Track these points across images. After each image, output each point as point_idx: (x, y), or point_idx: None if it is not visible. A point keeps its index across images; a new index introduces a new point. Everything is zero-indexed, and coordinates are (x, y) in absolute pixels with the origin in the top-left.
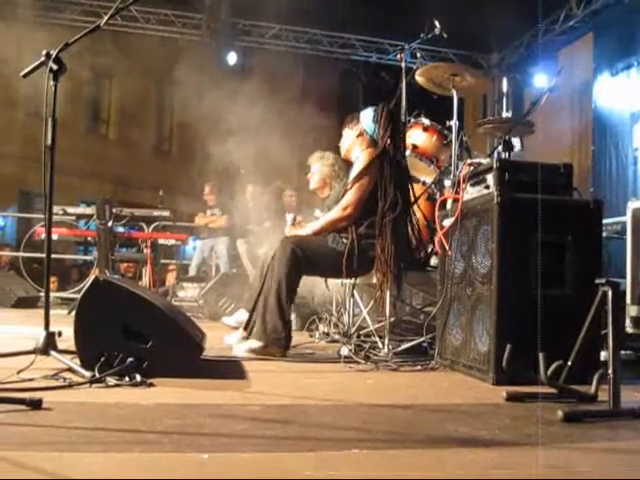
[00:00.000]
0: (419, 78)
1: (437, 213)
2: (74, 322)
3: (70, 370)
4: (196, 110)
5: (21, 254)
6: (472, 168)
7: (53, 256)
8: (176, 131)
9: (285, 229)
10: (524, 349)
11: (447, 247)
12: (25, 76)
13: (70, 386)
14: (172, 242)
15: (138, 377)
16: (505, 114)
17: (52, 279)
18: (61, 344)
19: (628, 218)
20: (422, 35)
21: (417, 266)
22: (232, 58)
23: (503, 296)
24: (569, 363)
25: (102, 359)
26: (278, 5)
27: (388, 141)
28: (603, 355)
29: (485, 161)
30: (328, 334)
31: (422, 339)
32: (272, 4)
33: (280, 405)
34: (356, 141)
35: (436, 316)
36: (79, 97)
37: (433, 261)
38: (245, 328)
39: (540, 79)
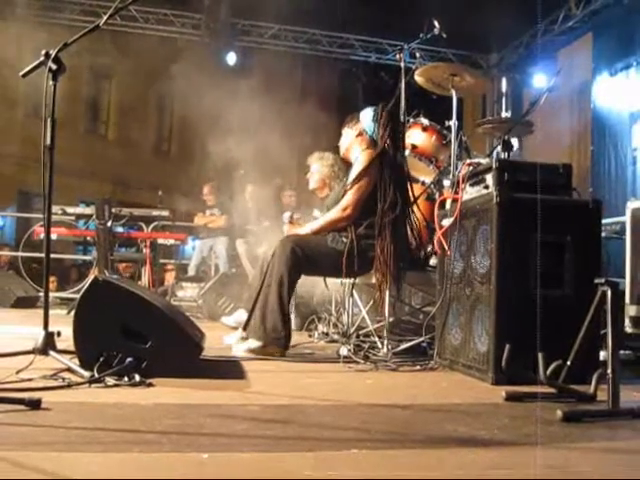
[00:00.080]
0: (418, 78)
1: (436, 213)
2: (73, 322)
3: (69, 370)
4: (195, 110)
5: (20, 254)
6: (471, 168)
7: (52, 256)
8: (175, 131)
9: (283, 228)
10: (523, 349)
11: (446, 247)
12: (24, 76)
13: (69, 386)
14: (171, 242)
15: (137, 377)
16: (504, 114)
17: (51, 279)
18: (60, 344)
19: (627, 218)
20: (421, 35)
21: (416, 266)
22: (231, 58)
23: (502, 296)
24: (568, 363)
25: (101, 359)
26: (277, 5)
27: (388, 141)
28: (602, 355)
29: (484, 161)
30: (327, 334)
31: (421, 339)
32: (271, 4)
33: (279, 405)
34: (355, 141)
35: (435, 316)
36: (78, 97)
37: (432, 261)
38: (244, 328)
39: (539, 79)
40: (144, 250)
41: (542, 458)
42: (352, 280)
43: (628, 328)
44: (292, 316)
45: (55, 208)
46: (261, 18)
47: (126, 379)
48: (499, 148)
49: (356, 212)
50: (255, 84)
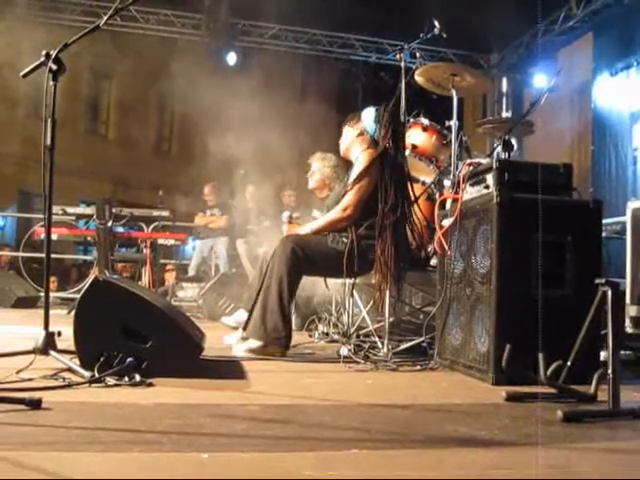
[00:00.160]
0: (418, 78)
1: (436, 213)
2: (73, 322)
3: (69, 370)
4: (196, 110)
5: (21, 254)
6: (472, 168)
7: (53, 256)
8: (176, 131)
9: (282, 227)
10: (524, 349)
11: (446, 247)
12: (25, 76)
13: (69, 386)
14: (172, 242)
15: (137, 377)
16: (505, 114)
17: (52, 279)
18: (60, 344)
19: (628, 218)
20: (421, 35)
21: (417, 266)
22: (232, 58)
23: (502, 296)
24: (569, 363)
25: (101, 359)
26: (277, 5)
27: (389, 142)
28: (603, 355)
29: (485, 161)
30: (327, 334)
31: (421, 339)
32: (271, 4)
33: (279, 405)
34: (356, 140)
35: (435, 316)
36: (79, 97)
37: (433, 261)
38: (244, 328)
39: (540, 79)
40: (144, 250)
41: (543, 458)
42: (352, 280)
43: (628, 328)
44: (292, 316)
45: (56, 208)
46: (261, 18)
47: (126, 379)
48: (499, 148)
49: (356, 213)
50: (255, 84)
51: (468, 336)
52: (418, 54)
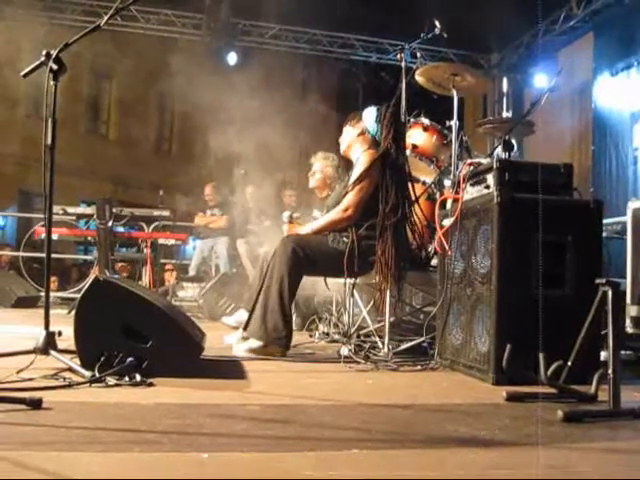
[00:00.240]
0: (419, 78)
1: (437, 213)
2: (74, 322)
3: (70, 370)
4: (196, 110)
5: (21, 254)
6: (472, 168)
7: (53, 256)
8: (176, 131)
9: (283, 227)
10: (524, 349)
11: (447, 247)
12: (25, 76)
13: (70, 386)
14: (172, 242)
15: (138, 377)
16: (505, 114)
17: (52, 279)
18: (61, 344)
19: (628, 218)
20: (422, 35)
21: (418, 266)
22: (232, 58)
23: (503, 296)
24: (569, 363)
25: (102, 359)
26: (278, 5)
27: (391, 142)
28: (603, 355)
29: (485, 161)
30: (328, 334)
31: (422, 339)
32: (272, 4)
33: (280, 405)
34: (357, 140)
35: (436, 316)
36: (79, 97)
37: (434, 261)
38: (245, 328)
39: (540, 79)
40: (145, 250)
41: (543, 458)
42: (353, 280)
43: (629, 328)
44: (293, 316)
45: (56, 208)
46: (262, 18)
47: (127, 379)
48: (500, 148)
49: (357, 213)
50: (255, 84)
51: (468, 336)
52: (419, 54)
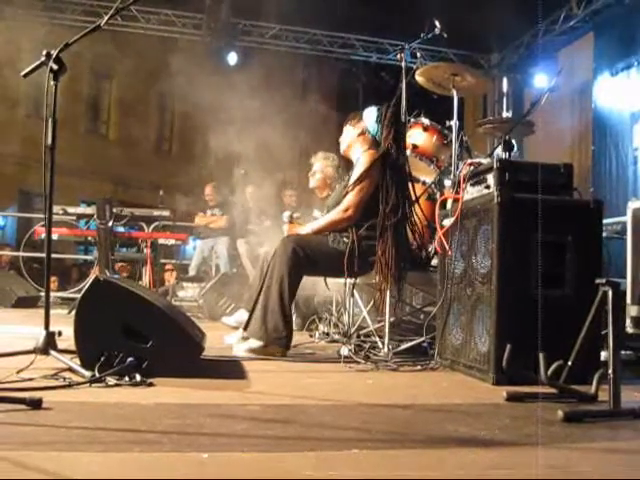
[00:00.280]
0: (419, 78)
1: (437, 213)
2: (74, 322)
3: (70, 370)
4: (196, 110)
5: (21, 254)
6: (472, 168)
7: (53, 256)
8: (176, 131)
9: (283, 227)
10: (524, 349)
11: (447, 247)
12: (25, 76)
13: (70, 386)
14: (172, 242)
15: (138, 377)
16: (505, 114)
17: (52, 279)
18: (61, 344)
19: (628, 218)
20: (422, 35)
21: (418, 266)
22: (232, 58)
23: (503, 296)
24: (569, 363)
25: (102, 359)
26: (278, 5)
27: (391, 143)
28: (603, 355)
29: (485, 161)
30: (328, 334)
31: (422, 339)
32: (272, 4)
33: (280, 405)
34: (357, 140)
35: (436, 316)
36: (79, 97)
37: (434, 261)
38: (245, 328)
39: (540, 79)
40: (145, 250)
41: (543, 458)
42: (353, 280)
43: (629, 328)
44: (293, 316)
45: (56, 208)
46: (262, 18)
47: (127, 379)
48: (500, 148)
49: (357, 214)
50: (256, 84)
51: (469, 336)
52: (419, 54)
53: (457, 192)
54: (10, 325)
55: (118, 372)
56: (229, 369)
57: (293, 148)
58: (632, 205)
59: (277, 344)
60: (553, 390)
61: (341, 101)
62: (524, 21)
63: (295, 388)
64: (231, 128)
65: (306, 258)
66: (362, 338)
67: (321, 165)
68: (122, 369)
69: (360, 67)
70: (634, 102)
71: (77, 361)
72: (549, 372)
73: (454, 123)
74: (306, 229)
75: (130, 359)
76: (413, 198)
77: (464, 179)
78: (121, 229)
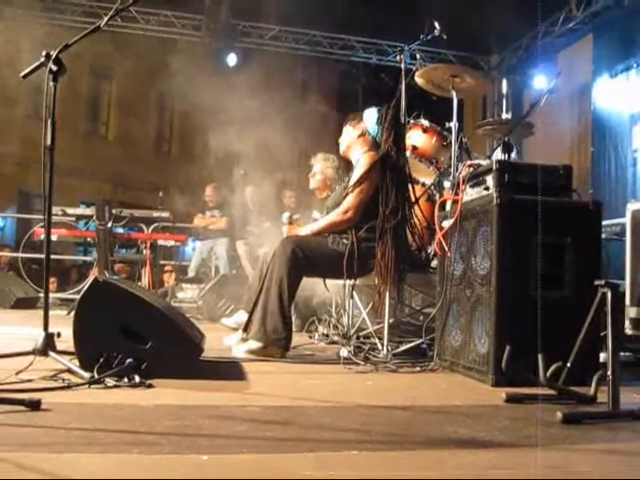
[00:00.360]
0: (419, 79)
1: (437, 214)
2: (73, 323)
3: (69, 371)
4: (196, 111)
5: (20, 255)
6: (472, 169)
7: (52, 257)
8: (176, 132)
9: (282, 228)
10: (523, 350)
11: (446, 248)
12: (25, 77)
13: (69, 387)
14: (171, 243)
15: (137, 378)
16: (505, 115)
17: (51, 280)
18: (60, 345)
19: (627, 220)
20: (422, 36)
21: (417, 268)
22: (232, 59)
23: (502, 297)
24: (568, 365)
25: (101, 360)
26: (278, 6)
27: (391, 145)
28: (602, 357)
29: (485, 162)
30: (327, 335)
31: (421, 340)
32: (272, 5)
33: (279, 406)
34: (357, 141)
35: (435, 317)
36: (79, 98)
37: (433, 263)
38: (244, 329)
39: (540, 81)
40: (144, 251)
41: (542, 459)
42: (352, 282)
43: (628, 330)
44: (292, 317)
45: (55, 209)
46: (262, 19)
47: (126, 380)
48: (499, 149)
49: (357, 215)
50: (255, 85)
51: (468, 337)
52: (418, 55)
53: (456, 193)
54: (9, 326)
55: (117, 373)
56: (228, 370)
57: (293, 149)
58: (631, 207)
59: (276, 345)
60: (552, 391)
61: (341, 102)
62: (524, 23)
63: (294, 389)
64: (231, 129)
65: (305, 259)
66: (361, 339)
67: (321, 166)
68: (121, 370)
69: (360, 68)
70: (633, 104)
71: (76, 362)
72: (548, 373)
73: (453, 124)
74: (305, 230)
75: (129, 360)
76: (413, 200)
77: (463, 180)
78: (120, 230)
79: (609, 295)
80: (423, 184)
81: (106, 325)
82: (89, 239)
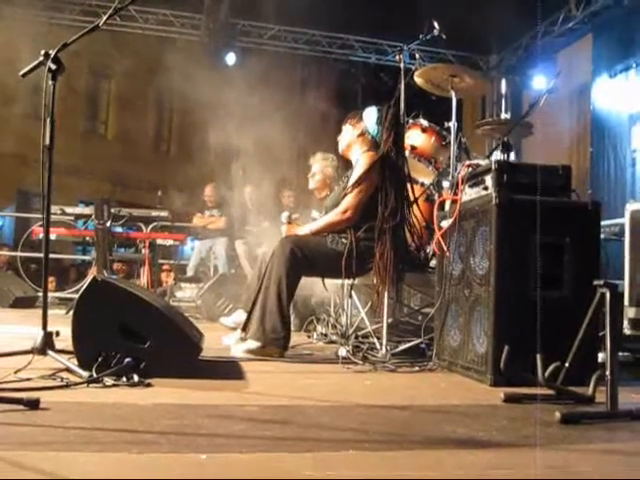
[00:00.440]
0: (418, 79)
1: (435, 214)
2: (72, 322)
3: (67, 370)
4: (194, 111)
5: (19, 254)
6: (470, 169)
7: (51, 256)
8: (175, 131)
9: (281, 228)
10: (522, 350)
11: (445, 248)
12: (24, 76)
13: (67, 386)
14: (170, 242)
15: (136, 377)
16: (504, 115)
17: (50, 279)
18: (59, 344)
19: (626, 220)
20: (421, 36)
21: (417, 268)
22: (231, 59)
23: (501, 297)
24: (567, 364)
25: (100, 359)
26: (277, 6)
27: (391, 146)
28: (601, 357)
29: (484, 162)
30: (326, 335)
31: (420, 340)
32: (271, 5)
33: (278, 406)
34: (356, 140)
35: (434, 317)
36: (78, 97)
37: (432, 262)
38: (243, 329)
39: (539, 81)
40: (143, 250)
41: (541, 459)
42: (351, 281)
43: (627, 330)
44: (291, 317)
45: (54, 208)
46: (261, 19)
47: (124, 379)
48: (498, 149)
49: (356, 215)
50: (254, 84)
51: (466, 337)
52: (417, 55)
53: (455, 193)
54: (8, 325)
55: (116, 372)
56: (227, 370)
57: (292, 148)
58: (630, 207)
59: (275, 345)
60: (551, 391)
61: (340, 102)
62: (523, 22)
63: (293, 389)
64: (230, 129)
65: (304, 259)
66: (360, 339)
67: (320, 166)
68: (120, 369)
69: (359, 68)
70: (632, 104)
71: (75, 361)
72: (547, 373)
73: (452, 124)
74: (304, 230)
75: (128, 359)
76: (412, 199)
77: (462, 180)
78: (119, 229)
79: (608, 295)
80: (422, 184)
81: (105, 324)
82: (88, 238)
